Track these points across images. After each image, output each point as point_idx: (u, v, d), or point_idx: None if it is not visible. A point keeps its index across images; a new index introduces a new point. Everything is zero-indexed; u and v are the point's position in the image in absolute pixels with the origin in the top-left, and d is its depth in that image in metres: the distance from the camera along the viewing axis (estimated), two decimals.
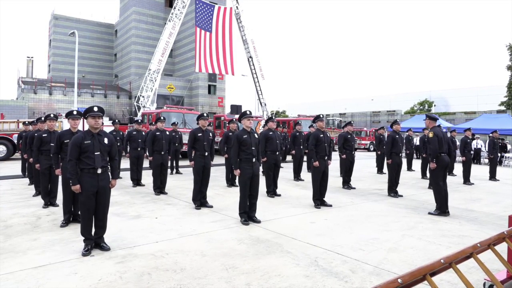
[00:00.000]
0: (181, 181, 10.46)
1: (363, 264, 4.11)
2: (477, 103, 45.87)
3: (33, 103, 35.18)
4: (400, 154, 9.15)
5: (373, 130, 33.68)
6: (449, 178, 11.89)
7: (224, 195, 8.49)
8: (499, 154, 19.95)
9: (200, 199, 7.07)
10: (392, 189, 8.80)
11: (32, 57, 50.44)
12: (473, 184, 11.40)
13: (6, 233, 5.10)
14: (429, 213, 6.87)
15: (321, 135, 7.42)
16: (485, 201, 8.51)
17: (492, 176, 12.76)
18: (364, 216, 6.59)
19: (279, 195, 8.41)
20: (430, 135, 6.88)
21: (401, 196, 8.77)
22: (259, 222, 5.91)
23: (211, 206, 7.03)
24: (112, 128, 11.63)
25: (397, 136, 9.13)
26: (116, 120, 12.05)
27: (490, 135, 13.45)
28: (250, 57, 29.32)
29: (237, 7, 28.95)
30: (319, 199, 7.32)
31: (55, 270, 3.79)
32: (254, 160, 5.99)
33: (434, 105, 51.56)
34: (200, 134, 7.17)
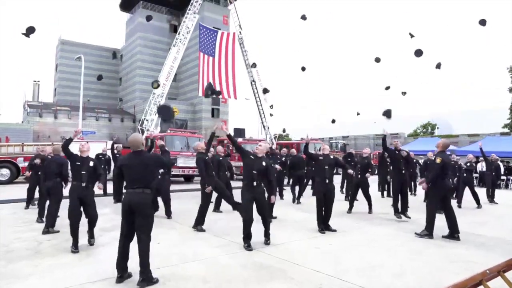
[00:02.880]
0: (183, 205, 10.41)
1: None
2: (480, 125, 45.88)
3: (38, 127, 35.55)
4: (403, 171, 8.72)
5: (377, 153, 33.59)
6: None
7: (227, 219, 8.43)
8: (505, 177, 19.83)
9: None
10: (397, 210, 8.65)
11: (38, 81, 51.47)
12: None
13: (8, 258, 5.08)
14: (416, 234, 6.93)
15: (321, 157, 7.36)
16: (491, 225, 8.40)
17: (491, 198, 12.68)
18: (369, 241, 6.51)
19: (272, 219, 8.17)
20: (438, 160, 6.85)
21: (409, 217, 8.59)
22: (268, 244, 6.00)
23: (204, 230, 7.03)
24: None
25: (397, 152, 9.02)
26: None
27: (489, 158, 13.45)
28: (253, 81, 29.72)
29: (240, 32, 29.60)
30: (323, 223, 7.23)
31: None
32: (255, 184, 5.95)
33: (437, 128, 51.62)
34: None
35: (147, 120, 24.65)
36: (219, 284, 4.18)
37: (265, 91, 29.07)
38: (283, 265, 4.94)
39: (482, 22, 10.72)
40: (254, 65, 27.45)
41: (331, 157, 7.50)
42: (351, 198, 9.97)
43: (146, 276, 4.09)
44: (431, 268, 4.92)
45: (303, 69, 14.91)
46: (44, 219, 7.31)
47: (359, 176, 9.67)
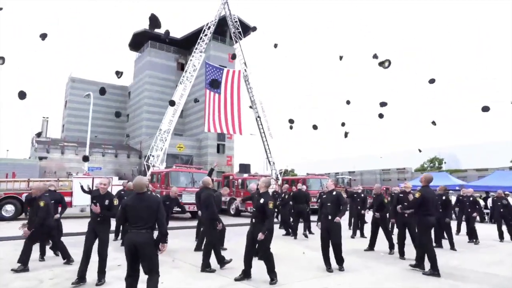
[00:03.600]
0: (183, 243, 10.21)
1: None
2: (488, 159, 45.53)
3: (45, 162, 35.89)
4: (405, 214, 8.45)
5: (384, 188, 33.17)
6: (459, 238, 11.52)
7: (231, 256, 8.22)
8: None
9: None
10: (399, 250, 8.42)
11: (47, 117, 52.51)
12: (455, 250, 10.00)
13: None
14: (423, 272, 6.87)
15: (323, 195, 7.49)
16: (507, 264, 8.09)
17: (500, 237, 12.25)
18: (381, 281, 6.28)
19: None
20: (417, 195, 6.90)
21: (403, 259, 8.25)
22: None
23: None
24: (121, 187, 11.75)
25: (401, 195, 8.94)
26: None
27: (493, 194, 13.16)
28: (258, 117, 30.12)
29: (245, 69, 30.39)
30: (334, 261, 7.05)
31: None
32: (253, 220, 6.15)
33: (445, 162, 51.29)
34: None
35: (153, 156, 24.82)
36: None
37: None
38: None
39: (432, 81, 11.25)
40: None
41: (333, 193, 7.41)
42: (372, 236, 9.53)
43: None
44: None
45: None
46: (44, 258, 7.38)
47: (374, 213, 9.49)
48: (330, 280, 6.26)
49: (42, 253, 7.61)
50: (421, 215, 6.85)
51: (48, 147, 39.23)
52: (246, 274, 6.12)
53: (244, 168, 28.43)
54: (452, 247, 9.85)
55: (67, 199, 14.45)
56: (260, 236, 5.92)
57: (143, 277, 4.45)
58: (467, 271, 7.17)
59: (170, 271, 6.75)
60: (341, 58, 12.75)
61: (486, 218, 19.19)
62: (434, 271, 6.70)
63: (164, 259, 7.60)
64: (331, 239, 7.02)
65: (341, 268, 7.00)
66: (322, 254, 7.04)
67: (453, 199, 14.06)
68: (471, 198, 12.07)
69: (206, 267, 6.76)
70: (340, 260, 7.04)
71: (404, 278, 6.50)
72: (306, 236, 11.47)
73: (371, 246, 9.36)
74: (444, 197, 10.36)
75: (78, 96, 50.02)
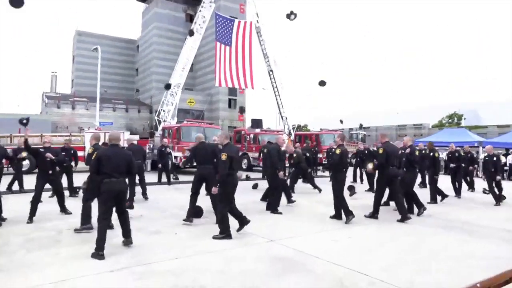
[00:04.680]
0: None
1: (391, 286, 3.98)
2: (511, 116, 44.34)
3: (57, 118, 36.38)
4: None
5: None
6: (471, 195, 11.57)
7: (243, 211, 8.45)
8: None
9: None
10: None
11: (56, 73, 52.52)
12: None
13: (28, 247, 5.24)
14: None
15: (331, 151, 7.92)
16: None
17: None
18: (390, 235, 6.42)
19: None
20: (380, 151, 7.73)
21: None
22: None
23: None
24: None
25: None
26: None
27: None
28: (271, 70, 29.53)
29: (257, 21, 29.38)
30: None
31: (74, 285, 3.87)
32: None
33: (464, 118, 50.28)
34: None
35: (163, 111, 24.90)
36: (234, 276, 4.20)
37: (322, 83, 25.33)
38: (301, 258, 4.93)
39: (322, 83, 11.14)
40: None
41: (337, 152, 7.75)
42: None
43: None
44: (456, 264, 4.81)
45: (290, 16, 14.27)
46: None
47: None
48: (340, 233, 6.42)
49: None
50: (339, 170, 7.64)
51: (58, 102, 39.58)
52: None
53: (256, 123, 28.26)
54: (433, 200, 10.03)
55: (80, 153, 14.81)
56: (213, 190, 6.27)
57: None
58: (480, 227, 7.26)
59: (184, 223, 6.98)
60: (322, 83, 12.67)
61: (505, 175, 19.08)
62: (405, 217, 7.49)
63: (180, 214, 7.86)
64: (333, 192, 7.59)
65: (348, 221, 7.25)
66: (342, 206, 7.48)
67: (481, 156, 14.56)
68: (469, 155, 12.45)
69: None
70: (347, 213, 7.37)
71: (414, 233, 6.62)
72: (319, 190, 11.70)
73: (386, 203, 9.51)
74: (432, 154, 10.54)
75: (85, 50, 49.44)
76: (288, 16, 8.85)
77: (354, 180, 14.29)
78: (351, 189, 10.89)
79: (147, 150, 19.65)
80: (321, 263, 4.71)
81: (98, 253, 4.77)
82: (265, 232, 6.31)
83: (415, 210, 8.39)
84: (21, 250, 5.11)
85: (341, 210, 7.53)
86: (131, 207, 8.32)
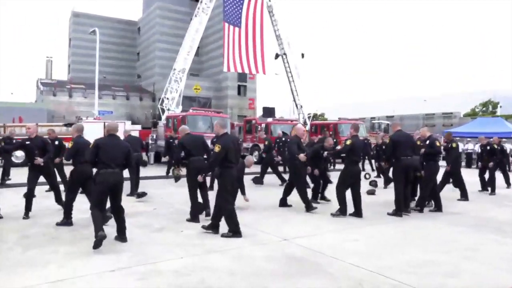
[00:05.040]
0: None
1: None
2: None
3: (53, 106, 36.84)
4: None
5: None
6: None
7: (255, 208, 8.51)
8: None
9: None
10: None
11: (51, 58, 53.16)
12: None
13: (24, 244, 5.36)
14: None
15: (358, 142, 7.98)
16: None
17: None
18: (416, 234, 6.40)
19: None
20: (387, 141, 8.19)
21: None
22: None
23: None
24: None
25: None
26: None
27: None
28: (284, 53, 29.33)
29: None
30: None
31: (73, 285, 3.95)
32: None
33: (500, 106, 49.38)
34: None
35: (167, 99, 25.00)
36: (245, 277, 4.24)
37: (303, 56, 27.53)
38: (317, 258, 4.94)
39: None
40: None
41: (347, 142, 7.88)
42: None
43: None
44: (489, 267, 4.77)
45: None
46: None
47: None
48: (361, 231, 6.41)
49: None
50: (349, 163, 7.80)
51: (54, 89, 40.10)
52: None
53: (268, 112, 28.20)
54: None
55: None
56: (199, 178, 6.43)
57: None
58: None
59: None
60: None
61: None
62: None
63: (186, 210, 7.94)
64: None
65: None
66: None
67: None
68: (488, 147, 12.07)
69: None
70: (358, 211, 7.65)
71: (442, 232, 6.57)
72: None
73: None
74: (450, 145, 10.26)
75: (82, 33, 49.86)
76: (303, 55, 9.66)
77: (378, 175, 14.18)
78: (371, 192, 10.77)
79: (150, 142, 19.81)
80: (339, 264, 4.72)
81: (97, 234, 5.04)
82: (278, 230, 6.34)
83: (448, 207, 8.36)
84: (17, 248, 5.23)
85: (361, 207, 7.61)
86: (144, 194, 9.10)
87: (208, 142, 16.19)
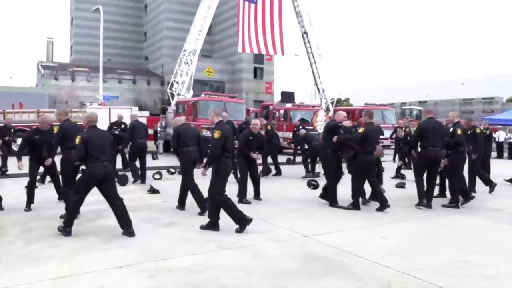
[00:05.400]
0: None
1: None
2: None
3: (54, 91, 37.40)
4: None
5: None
6: None
7: (272, 201, 8.53)
8: None
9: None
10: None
11: (52, 38, 53.88)
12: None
13: (26, 238, 5.51)
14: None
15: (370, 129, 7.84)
16: None
17: None
18: (451, 232, 6.32)
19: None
20: (413, 129, 8.31)
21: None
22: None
23: None
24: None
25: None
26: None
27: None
28: (305, 32, 29.02)
29: None
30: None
31: (79, 282, 4.04)
32: None
33: None
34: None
35: (177, 83, 25.10)
36: (262, 276, 4.27)
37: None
38: (341, 257, 4.93)
39: None
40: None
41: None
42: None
43: None
44: None
45: None
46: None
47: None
48: (390, 227, 6.37)
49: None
50: (361, 152, 7.67)
51: (56, 73, 40.71)
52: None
53: (287, 96, 27.98)
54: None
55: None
56: (203, 172, 6.38)
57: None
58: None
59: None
60: None
61: None
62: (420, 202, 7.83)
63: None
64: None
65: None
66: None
67: None
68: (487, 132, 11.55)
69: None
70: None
71: (481, 230, 6.48)
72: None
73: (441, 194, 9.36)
74: (470, 132, 9.96)
75: (85, 11, 50.20)
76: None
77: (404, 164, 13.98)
78: (401, 185, 10.67)
79: (159, 129, 19.98)
80: (365, 264, 4.70)
81: (66, 230, 5.58)
82: (298, 226, 6.35)
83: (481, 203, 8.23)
84: (18, 241, 5.37)
85: (385, 199, 7.61)
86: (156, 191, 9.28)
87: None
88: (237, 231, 5.92)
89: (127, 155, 11.51)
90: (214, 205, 6.11)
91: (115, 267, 4.43)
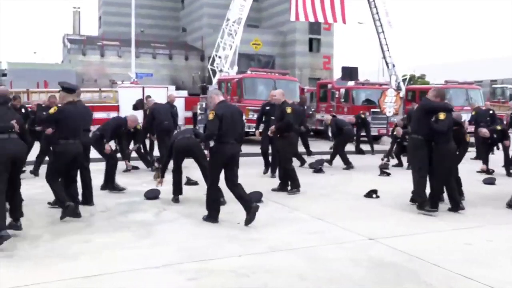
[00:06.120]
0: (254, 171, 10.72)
1: None
2: None
3: (82, 67, 38.72)
4: None
5: None
6: None
7: (331, 196, 8.51)
8: None
9: None
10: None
11: (78, 8, 55.65)
12: None
13: (55, 231, 5.83)
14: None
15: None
16: None
17: None
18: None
19: None
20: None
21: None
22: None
23: None
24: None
25: None
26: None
27: None
28: None
29: None
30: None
31: (111, 281, 4.24)
32: None
33: None
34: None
35: (219, 58, 25.32)
36: (318, 283, 4.30)
37: None
38: (413, 264, 4.86)
39: None
40: None
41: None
42: None
43: None
44: None
45: None
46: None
47: None
48: (476, 232, 6.23)
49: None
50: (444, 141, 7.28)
51: (83, 47, 42.13)
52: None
53: (349, 73, 27.51)
54: None
55: (112, 115, 15.79)
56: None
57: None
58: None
59: None
60: None
61: None
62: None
63: None
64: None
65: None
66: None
67: None
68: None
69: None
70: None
71: None
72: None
73: None
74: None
75: None
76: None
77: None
78: (489, 181, 10.31)
79: (199, 111, 20.29)
80: (442, 273, 4.61)
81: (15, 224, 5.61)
82: (361, 226, 6.32)
83: None
84: (46, 235, 5.69)
85: (457, 199, 7.42)
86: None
87: None
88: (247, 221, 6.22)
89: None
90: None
91: (151, 267, 4.60)
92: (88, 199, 7.26)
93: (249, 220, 6.17)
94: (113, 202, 7.58)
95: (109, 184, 8.53)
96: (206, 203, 6.54)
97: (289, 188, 8.75)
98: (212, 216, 6.40)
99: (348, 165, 12.10)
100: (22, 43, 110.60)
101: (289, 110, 8.68)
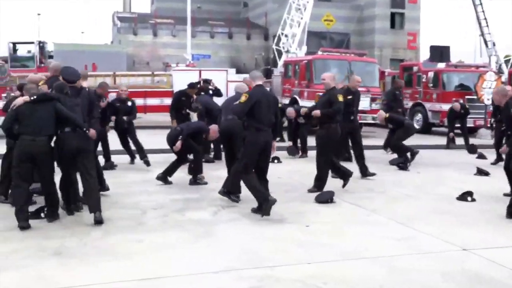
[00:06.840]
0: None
1: None
2: None
3: (133, 48, 39.73)
4: None
5: None
6: None
7: (415, 197, 8.37)
8: None
9: None
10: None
11: None
12: None
13: (105, 229, 6.08)
14: None
15: None
16: None
17: None
18: None
19: None
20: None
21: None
22: None
23: None
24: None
25: None
26: None
27: None
28: None
29: None
30: None
31: (168, 286, 4.37)
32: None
33: None
34: None
35: (286, 36, 25.29)
36: None
37: None
38: None
39: None
40: None
41: None
42: None
43: None
44: None
45: None
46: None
47: None
48: None
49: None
50: None
51: (134, 26, 43.25)
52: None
53: (439, 53, 26.76)
54: None
55: (166, 101, 16.18)
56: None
57: None
58: None
59: (318, 209, 7.23)
60: None
61: None
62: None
63: (308, 194, 8.12)
64: None
65: None
66: None
67: None
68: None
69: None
70: None
71: None
72: None
73: None
74: None
75: None
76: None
77: None
78: None
79: None
80: None
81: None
82: (453, 234, 6.18)
83: None
84: (95, 232, 5.96)
85: None
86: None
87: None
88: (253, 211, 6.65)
89: None
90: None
91: (209, 271, 4.69)
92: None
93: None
94: (166, 198, 7.79)
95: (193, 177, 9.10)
96: (252, 194, 6.86)
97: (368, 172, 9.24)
98: (262, 203, 6.61)
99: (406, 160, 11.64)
100: (69, 22, 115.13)
101: (340, 97, 8.58)
